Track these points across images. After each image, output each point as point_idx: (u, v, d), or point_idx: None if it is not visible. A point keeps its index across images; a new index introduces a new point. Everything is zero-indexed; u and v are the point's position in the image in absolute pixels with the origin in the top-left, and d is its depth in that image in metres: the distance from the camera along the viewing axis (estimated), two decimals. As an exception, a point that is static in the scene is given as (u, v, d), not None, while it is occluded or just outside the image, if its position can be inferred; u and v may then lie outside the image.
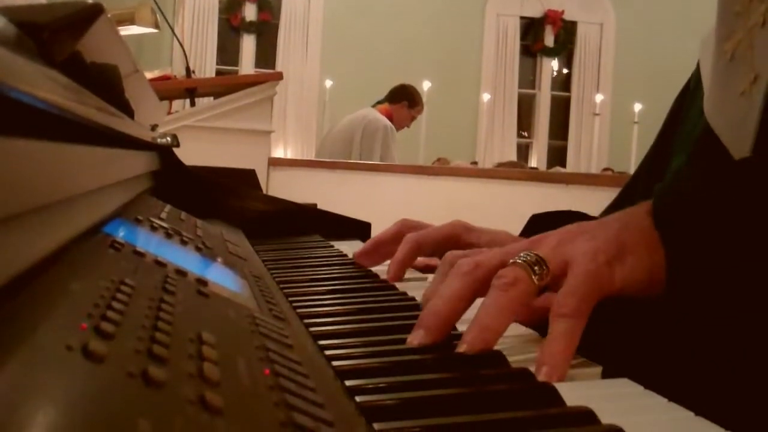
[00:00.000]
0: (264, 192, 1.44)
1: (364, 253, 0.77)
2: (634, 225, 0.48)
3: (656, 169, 0.73)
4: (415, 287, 0.66)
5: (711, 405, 0.35)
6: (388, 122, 4.04)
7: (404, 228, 0.75)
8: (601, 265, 0.45)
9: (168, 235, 0.57)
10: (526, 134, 8.64)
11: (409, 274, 0.75)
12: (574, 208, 0.85)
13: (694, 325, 0.47)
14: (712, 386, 0.44)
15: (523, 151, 8.57)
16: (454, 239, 0.75)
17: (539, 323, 0.52)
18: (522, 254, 0.47)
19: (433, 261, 0.81)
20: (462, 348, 0.43)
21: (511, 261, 0.47)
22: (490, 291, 0.46)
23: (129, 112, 0.77)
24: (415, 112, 4.22)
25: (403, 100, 4.16)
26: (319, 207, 1.13)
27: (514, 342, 0.48)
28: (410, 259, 0.72)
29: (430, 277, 0.76)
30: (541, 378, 0.39)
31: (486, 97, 6.73)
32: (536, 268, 0.46)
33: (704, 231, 0.46)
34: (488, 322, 0.44)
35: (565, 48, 8.52)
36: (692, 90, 0.71)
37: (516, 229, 0.85)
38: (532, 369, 0.40)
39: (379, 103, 4.20)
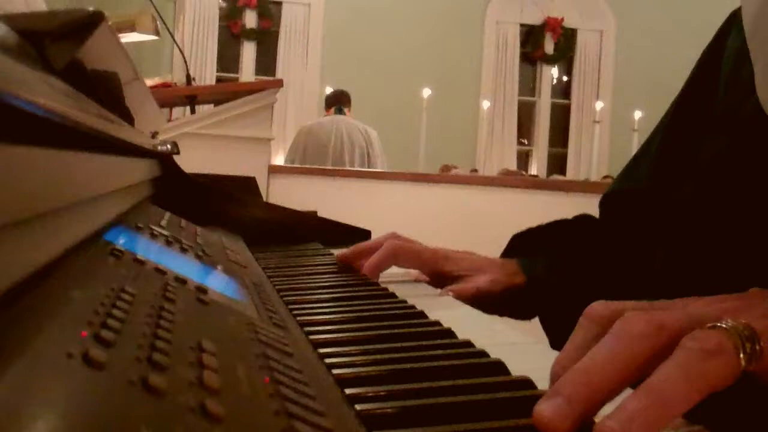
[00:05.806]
0: (264, 199, 1.44)
1: (345, 257, 0.81)
2: None
3: (681, 142, 0.69)
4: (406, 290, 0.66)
5: (714, 412, 0.35)
6: None
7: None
8: None
9: (168, 243, 0.57)
10: (526, 142, 8.64)
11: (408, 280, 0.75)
12: (574, 216, 0.85)
13: None
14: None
15: (523, 158, 8.57)
16: (430, 266, 0.80)
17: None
18: (729, 321, 0.35)
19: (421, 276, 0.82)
20: (611, 427, 0.30)
21: (710, 325, 0.36)
22: (678, 353, 0.34)
23: (129, 119, 0.77)
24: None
25: (349, 105, 4.41)
26: (319, 214, 1.13)
27: (515, 350, 0.48)
28: (385, 265, 0.77)
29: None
30: None
31: (486, 104, 6.74)
32: (748, 345, 0.34)
33: None
34: (669, 393, 0.32)
35: (565, 55, 8.53)
36: (731, 57, 0.64)
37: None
38: (533, 377, 0.40)
39: (343, 111, 4.39)
